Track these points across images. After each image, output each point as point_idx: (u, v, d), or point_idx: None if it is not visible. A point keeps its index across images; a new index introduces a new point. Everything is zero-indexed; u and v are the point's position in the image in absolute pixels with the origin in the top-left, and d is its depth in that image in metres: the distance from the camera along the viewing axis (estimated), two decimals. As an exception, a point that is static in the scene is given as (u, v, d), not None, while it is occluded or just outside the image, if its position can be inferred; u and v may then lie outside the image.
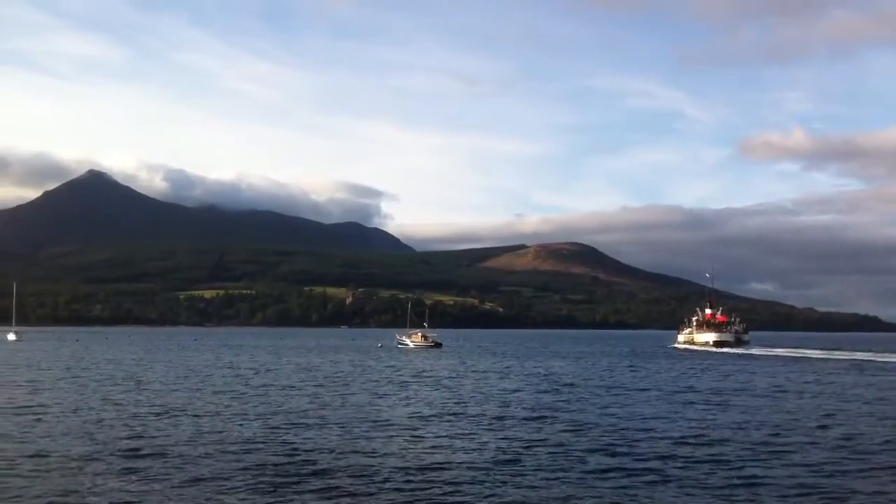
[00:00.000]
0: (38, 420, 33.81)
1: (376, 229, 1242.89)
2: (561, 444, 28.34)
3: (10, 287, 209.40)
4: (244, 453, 25.70)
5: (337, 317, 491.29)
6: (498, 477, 22.49)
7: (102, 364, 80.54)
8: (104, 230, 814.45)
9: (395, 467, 23.60)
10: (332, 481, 21.65)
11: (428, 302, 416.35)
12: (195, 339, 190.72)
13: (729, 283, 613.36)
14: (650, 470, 23.76)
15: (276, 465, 23.81)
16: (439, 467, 23.70)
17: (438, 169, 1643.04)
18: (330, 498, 19.95)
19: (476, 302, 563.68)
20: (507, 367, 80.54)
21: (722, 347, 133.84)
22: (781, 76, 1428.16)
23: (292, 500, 19.66)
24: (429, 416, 36.76)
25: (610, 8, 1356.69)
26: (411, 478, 22.17)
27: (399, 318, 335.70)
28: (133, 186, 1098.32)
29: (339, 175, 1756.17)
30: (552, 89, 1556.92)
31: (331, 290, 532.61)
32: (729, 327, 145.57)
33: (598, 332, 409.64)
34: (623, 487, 21.42)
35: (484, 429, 32.42)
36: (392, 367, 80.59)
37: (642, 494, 20.67)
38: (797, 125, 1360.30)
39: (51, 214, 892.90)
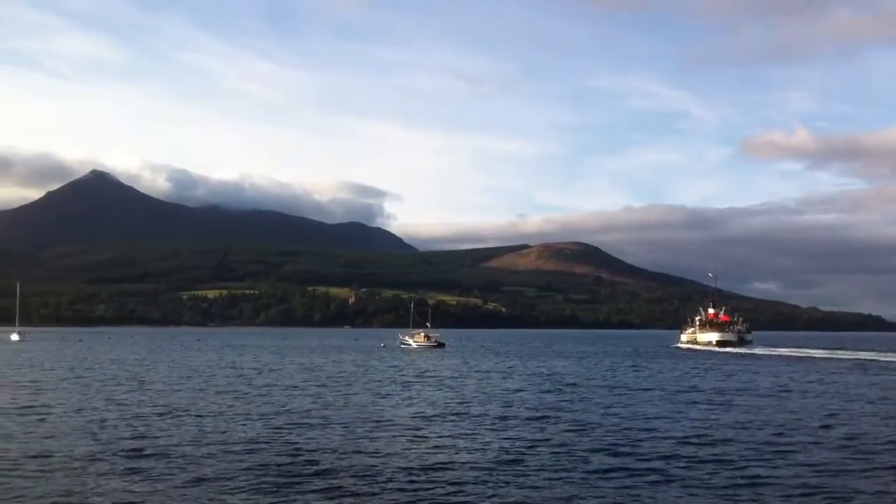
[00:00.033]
0: (42, 420, 33.85)
1: (379, 229, 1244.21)
2: (564, 444, 28.32)
3: (13, 287, 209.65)
4: (247, 453, 25.70)
5: (340, 317, 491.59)
6: (501, 477, 22.48)
7: (105, 364, 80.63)
8: (107, 230, 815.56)
9: (398, 467, 23.60)
10: (335, 481, 21.65)
11: (431, 302, 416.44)
12: (198, 340, 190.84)
13: (732, 283, 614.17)
14: (653, 470, 23.74)
15: (279, 465, 23.82)
16: (442, 467, 23.70)
17: (441, 169, 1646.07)
18: (333, 498, 19.94)
19: (479, 302, 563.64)
20: (509, 367, 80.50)
21: (725, 347, 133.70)
22: (784, 75, 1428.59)
23: (295, 501, 19.66)
24: (432, 416, 36.76)
25: (612, 7, 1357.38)
26: (414, 478, 22.17)
27: (402, 318, 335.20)
28: (136, 186, 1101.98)
29: (341, 175, 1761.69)
30: (555, 89, 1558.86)
31: (334, 290, 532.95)
32: (732, 327, 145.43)
33: (601, 332, 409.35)
34: (626, 487, 21.39)
35: (487, 429, 32.40)
36: (395, 367, 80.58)
37: (645, 494, 20.64)
38: (800, 124, 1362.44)
39: (54, 215, 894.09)
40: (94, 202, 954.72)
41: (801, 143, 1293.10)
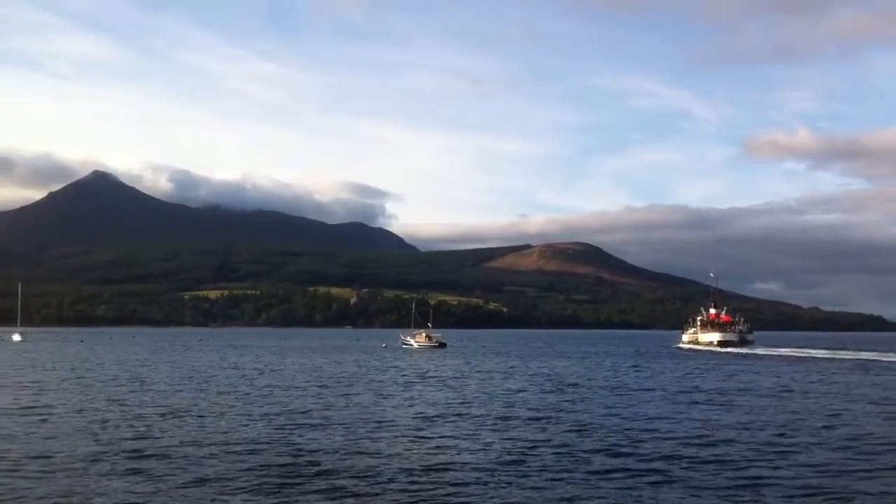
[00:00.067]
0: (44, 421, 33.87)
1: (381, 229, 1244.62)
2: (565, 445, 28.31)
3: (14, 288, 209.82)
4: (249, 454, 25.70)
5: (341, 317, 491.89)
6: (502, 478, 22.47)
7: (107, 365, 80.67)
8: (109, 231, 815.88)
9: (400, 468, 23.59)
10: (336, 482, 21.64)
11: (432, 302, 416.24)
12: (200, 340, 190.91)
13: (733, 283, 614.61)
14: (655, 471, 23.72)
15: (280, 465, 23.82)
16: (444, 468, 23.69)
17: (443, 169, 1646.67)
18: (335, 499, 19.94)
19: (480, 302, 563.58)
20: (511, 368, 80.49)
21: (726, 347, 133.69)
22: (786, 75, 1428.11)
23: (297, 501, 19.65)
24: (433, 416, 36.76)
25: (614, 7, 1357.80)
26: (416, 479, 22.16)
27: (403, 319, 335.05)
28: (138, 187, 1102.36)
29: (343, 175, 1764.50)
30: (556, 89, 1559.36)
31: (335, 291, 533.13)
32: (733, 327, 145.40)
33: (602, 332, 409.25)
34: (628, 488, 21.38)
35: (488, 429, 32.39)
36: (396, 367, 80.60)
37: (647, 495, 20.63)
38: (802, 124, 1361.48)
39: (55, 215, 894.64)
40: (96, 203, 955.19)
41: (803, 143, 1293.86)
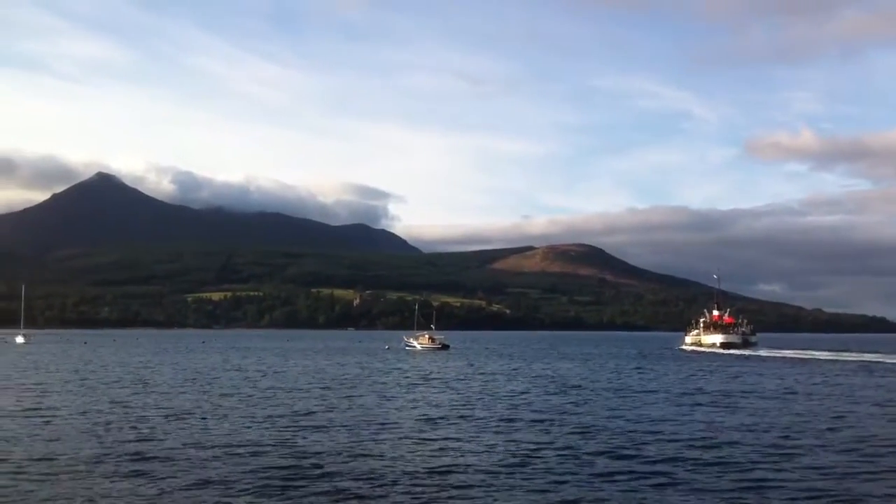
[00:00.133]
0: (47, 423, 33.89)
1: (383, 231, 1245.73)
2: (569, 447, 28.28)
3: (18, 289, 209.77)
4: (252, 456, 25.70)
5: (344, 319, 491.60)
6: (506, 480, 22.44)
7: (110, 366, 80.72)
8: (112, 232, 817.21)
9: (403, 470, 23.57)
10: (339, 484, 21.63)
11: (435, 304, 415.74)
12: (203, 342, 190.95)
13: (736, 285, 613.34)
14: (658, 473, 23.68)
15: (283, 467, 23.82)
16: (447, 470, 23.67)
17: (445, 170, 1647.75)
18: (338, 501, 19.93)
19: (483, 303, 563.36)
20: (514, 369, 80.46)
21: (729, 349, 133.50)
22: (789, 76, 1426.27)
23: (300, 503, 19.67)
24: (436, 418, 36.72)
25: (615, 7, 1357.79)
26: (419, 481, 22.14)
27: (406, 320, 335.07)
28: (141, 189, 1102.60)
29: (346, 177, 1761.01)
30: (557, 89, 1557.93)
31: (338, 292, 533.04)
32: (736, 329, 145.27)
33: (605, 334, 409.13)
34: (631, 490, 21.35)
35: (492, 431, 32.37)
36: (399, 369, 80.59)
37: (651, 497, 20.60)
38: (805, 125, 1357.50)
39: (59, 217, 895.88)
40: (99, 204, 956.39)
41: (806, 144, 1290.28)
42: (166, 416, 36.23)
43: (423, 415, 38.00)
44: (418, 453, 26.70)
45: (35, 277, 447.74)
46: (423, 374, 70.81)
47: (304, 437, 29.96)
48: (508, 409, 41.12)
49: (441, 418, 36.71)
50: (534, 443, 29.23)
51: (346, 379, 63.81)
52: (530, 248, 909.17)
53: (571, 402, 44.92)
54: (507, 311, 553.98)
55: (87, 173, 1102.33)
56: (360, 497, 20.27)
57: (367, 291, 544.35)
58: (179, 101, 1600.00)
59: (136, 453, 26.01)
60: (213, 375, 67.42)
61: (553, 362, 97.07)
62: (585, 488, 21.57)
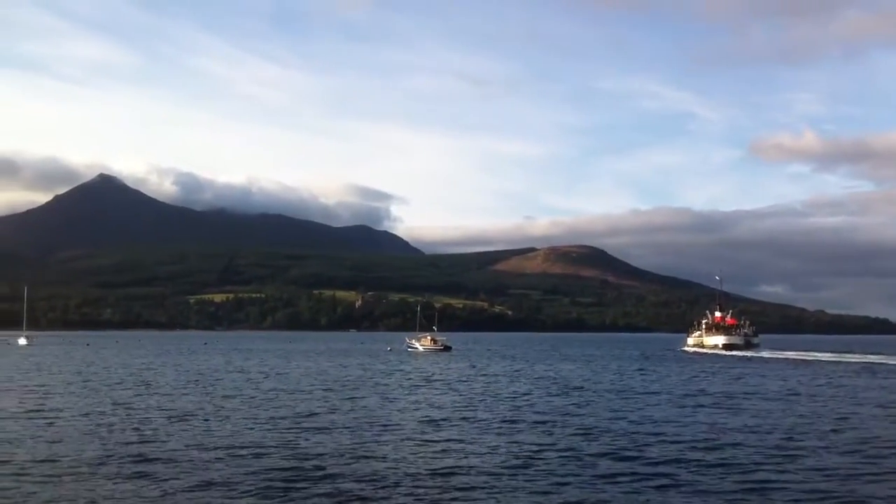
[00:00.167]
0: (50, 424, 33.89)
1: (386, 232, 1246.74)
2: (571, 449, 28.24)
3: (20, 291, 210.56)
4: (254, 457, 25.69)
5: (346, 320, 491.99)
6: (508, 481, 22.41)
7: (113, 368, 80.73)
8: (114, 234, 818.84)
9: (406, 472, 23.54)
10: (342, 486, 21.62)
11: (437, 305, 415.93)
12: (205, 343, 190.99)
13: (739, 286, 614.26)
14: (661, 474, 23.64)
15: (286, 469, 23.80)
16: (450, 472, 23.64)
17: (447, 171, 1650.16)
18: (340, 502, 19.93)
19: (485, 305, 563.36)
20: (516, 371, 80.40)
21: (731, 350, 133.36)
22: (792, 77, 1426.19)
23: (302, 505, 19.65)
24: (439, 420, 36.69)
25: (617, 8, 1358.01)
26: (422, 483, 22.12)
27: (408, 322, 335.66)
28: (143, 190, 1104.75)
29: (348, 178, 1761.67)
30: (559, 90, 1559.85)
31: (340, 294, 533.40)
32: (738, 330, 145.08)
33: (607, 336, 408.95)
34: (634, 492, 21.32)
35: (494, 433, 32.33)
36: (401, 370, 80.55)
37: (653, 499, 20.58)
38: (808, 126, 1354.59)
39: (61, 218, 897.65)
40: (102, 206, 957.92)
41: (809, 145, 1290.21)
42: (169, 418, 36.22)
43: (426, 416, 37.97)
44: (421, 455, 26.67)
45: (37, 279, 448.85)
46: (425, 376, 70.76)
47: (307, 439, 29.95)
48: (511, 410, 41.08)
49: (443, 420, 36.68)
50: (536, 444, 29.19)
51: (348, 380, 63.78)
52: (532, 250, 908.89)
53: (574, 404, 44.87)
54: (509, 313, 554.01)
55: (89, 175, 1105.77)
56: (362, 499, 20.25)
57: (370, 293, 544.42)
58: (181, 103, 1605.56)
59: (139, 455, 26.01)
60: (215, 377, 67.42)
61: (555, 364, 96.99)
62: (588, 490, 21.54)
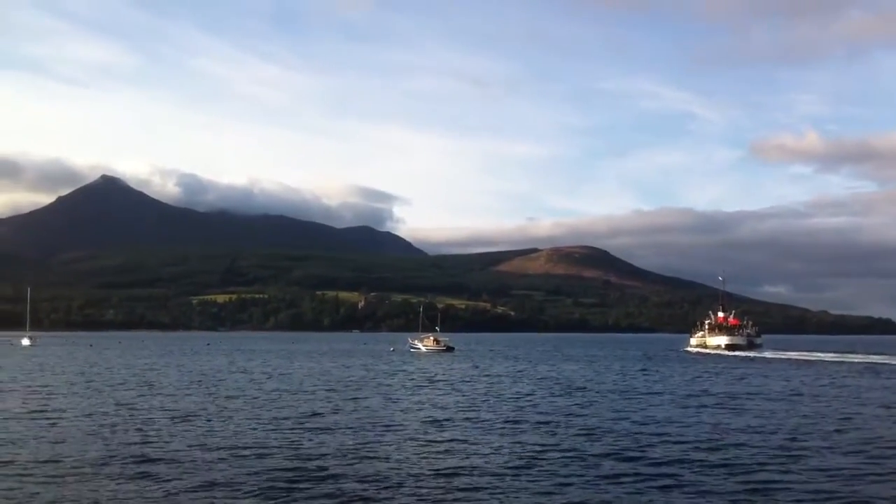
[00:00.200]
0: (53, 425, 33.92)
1: (388, 233, 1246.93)
2: (574, 449, 28.21)
3: (23, 292, 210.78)
4: (257, 458, 25.69)
5: (349, 321, 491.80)
6: (512, 482, 22.40)
7: (116, 369, 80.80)
8: (117, 235, 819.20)
9: (409, 473, 23.53)
10: (344, 486, 21.61)
11: (440, 306, 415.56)
12: (208, 344, 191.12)
13: (742, 286, 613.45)
14: (664, 475, 23.61)
15: (289, 469, 23.79)
16: (453, 472, 23.62)
17: (449, 172, 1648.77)
18: (343, 503, 19.92)
19: (488, 305, 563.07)
20: (519, 371, 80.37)
21: (734, 351, 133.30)
22: (794, 77, 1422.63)
23: (305, 506, 19.64)
24: (442, 420, 36.67)
25: (618, 8, 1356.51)
26: (425, 483, 22.10)
27: (411, 322, 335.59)
28: (146, 191, 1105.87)
29: (350, 179, 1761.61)
30: (559, 91, 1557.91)
31: (343, 295, 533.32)
32: (741, 330, 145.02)
33: (610, 336, 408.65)
34: (637, 493, 21.29)
35: (497, 433, 32.31)
36: (404, 371, 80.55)
37: (657, 499, 20.55)
38: (810, 127, 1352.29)
39: (64, 220, 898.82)
40: (104, 207, 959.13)
41: (811, 145, 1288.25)
42: (172, 419, 36.23)
43: (429, 417, 37.96)
44: (424, 455, 26.66)
45: (40, 280, 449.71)
46: (428, 376, 70.75)
47: (310, 439, 29.94)
48: (514, 410, 41.06)
49: (446, 420, 36.66)
50: (539, 445, 29.17)
51: (351, 381, 63.78)
52: (535, 250, 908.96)
53: (577, 404, 44.84)
54: (512, 313, 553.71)
55: (92, 176, 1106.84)
56: (365, 499, 20.25)
57: (372, 293, 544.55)
58: (182, 104, 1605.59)
59: (142, 455, 26.01)
60: (218, 377, 67.46)
61: (558, 364, 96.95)
62: (591, 490, 21.51)
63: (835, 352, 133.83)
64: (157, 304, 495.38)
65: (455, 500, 20.28)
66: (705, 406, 44.21)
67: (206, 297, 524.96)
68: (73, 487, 21.22)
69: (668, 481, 22.68)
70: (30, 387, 55.84)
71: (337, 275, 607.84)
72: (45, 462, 24.78)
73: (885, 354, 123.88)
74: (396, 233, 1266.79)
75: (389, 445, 28.70)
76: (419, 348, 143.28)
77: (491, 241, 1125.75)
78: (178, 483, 21.79)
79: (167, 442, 29.04)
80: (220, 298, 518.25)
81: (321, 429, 33.03)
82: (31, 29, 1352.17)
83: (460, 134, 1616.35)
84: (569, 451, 27.85)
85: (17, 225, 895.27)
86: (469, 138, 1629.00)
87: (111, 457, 25.75)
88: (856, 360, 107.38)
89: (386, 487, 21.47)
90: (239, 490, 21.00)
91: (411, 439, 30.38)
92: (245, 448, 27.63)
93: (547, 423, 35.91)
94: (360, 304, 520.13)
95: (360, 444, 28.99)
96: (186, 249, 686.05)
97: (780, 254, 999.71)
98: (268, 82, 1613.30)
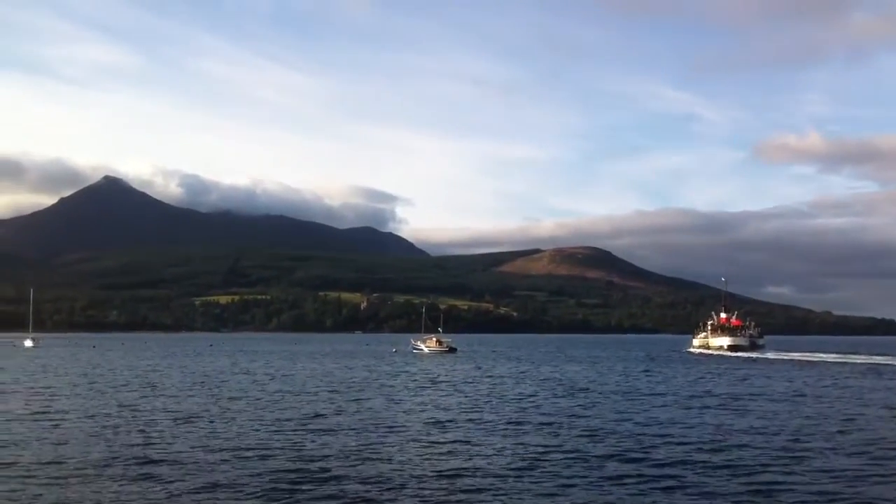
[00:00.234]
0: (56, 426, 33.95)
1: (391, 234, 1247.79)
2: (577, 450, 28.19)
3: (26, 293, 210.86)
4: (260, 459, 25.69)
5: (351, 322, 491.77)
6: (514, 483, 22.38)
7: (119, 370, 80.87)
8: (120, 236, 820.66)
9: (412, 474, 23.52)
10: (347, 487, 21.60)
11: (442, 307, 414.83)
12: (211, 345, 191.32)
13: (745, 287, 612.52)
14: (667, 476, 23.59)
15: (291, 471, 23.79)
16: (455, 474, 23.61)
17: (452, 173, 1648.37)
18: (346, 504, 19.93)
19: (491, 306, 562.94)
20: (522, 372, 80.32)
21: (737, 352, 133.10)
22: (797, 78, 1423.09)
23: (308, 507, 19.63)
24: (444, 421, 36.66)
25: (620, 10, 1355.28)
26: (427, 484, 22.09)
27: (414, 323, 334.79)
28: (148, 192, 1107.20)
29: (353, 180, 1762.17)
30: (563, 93, 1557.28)
31: (345, 296, 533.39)
32: (744, 331, 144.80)
33: (613, 337, 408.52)
34: (640, 494, 21.27)
35: (500, 434, 32.29)
36: (407, 372, 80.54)
37: (660, 501, 20.52)
38: (812, 128, 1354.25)
39: (66, 220, 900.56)
40: (107, 208, 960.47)
41: (814, 146, 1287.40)
42: (174, 420, 36.26)
43: (431, 418, 37.94)
44: (426, 456, 26.65)
45: (43, 281, 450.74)
46: (430, 378, 70.74)
47: (312, 441, 29.95)
48: (516, 412, 41.03)
49: (449, 421, 36.64)
50: (542, 446, 29.15)
51: (353, 382, 63.79)
52: (537, 251, 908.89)
53: (579, 405, 44.80)
54: (515, 314, 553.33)
55: (95, 177, 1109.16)
56: (368, 500, 20.24)
57: (375, 294, 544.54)
58: (185, 105, 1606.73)
59: (145, 457, 26.03)
60: (221, 379, 67.48)
61: (561, 365, 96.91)
62: (594, 492, 21.50)
63: (837, 353, 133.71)
64: (159, 305, 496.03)
65: (458, 501, 20.27)
66: (708, 407, 44.17)
67: (208, 298, 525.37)
68: (76, 489, 21.23)
69: (671, 483, 22.66)
70: (33, 388, 55.90)
71: (339, 276, 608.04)
72: (48, 463, 24.80)
73: (889, 355, 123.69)
74: (399, 234, 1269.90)
75: (392, 447, 28.70)
76: (422, 349, 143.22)
77: (493, 241, 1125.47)
78: (181, 484, 21.80)
79: (170, 443, 29.06)
80: (223, 299, 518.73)
81: (324, 430, 33.04)
82: (34, 29, 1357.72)
83: (463, 135, 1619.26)
84: (572, 452, 27.83)
85: (20, 226, 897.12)
86: (471, 139, 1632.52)
87: (114, 458, 25.76)
88: (859, 361, 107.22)
89: (389, 489, 21.46)
90: (242, 491, 21.00)
91: (414, 440, 30.37)
92: (248, 449, 27.64)
93: (550, 424, 35.89)
94: (363, 305, 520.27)
95: (362, 445, 29.00)
96: (189, 250, 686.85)
97: (782, 254, 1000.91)
98: (270, 83, 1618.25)
